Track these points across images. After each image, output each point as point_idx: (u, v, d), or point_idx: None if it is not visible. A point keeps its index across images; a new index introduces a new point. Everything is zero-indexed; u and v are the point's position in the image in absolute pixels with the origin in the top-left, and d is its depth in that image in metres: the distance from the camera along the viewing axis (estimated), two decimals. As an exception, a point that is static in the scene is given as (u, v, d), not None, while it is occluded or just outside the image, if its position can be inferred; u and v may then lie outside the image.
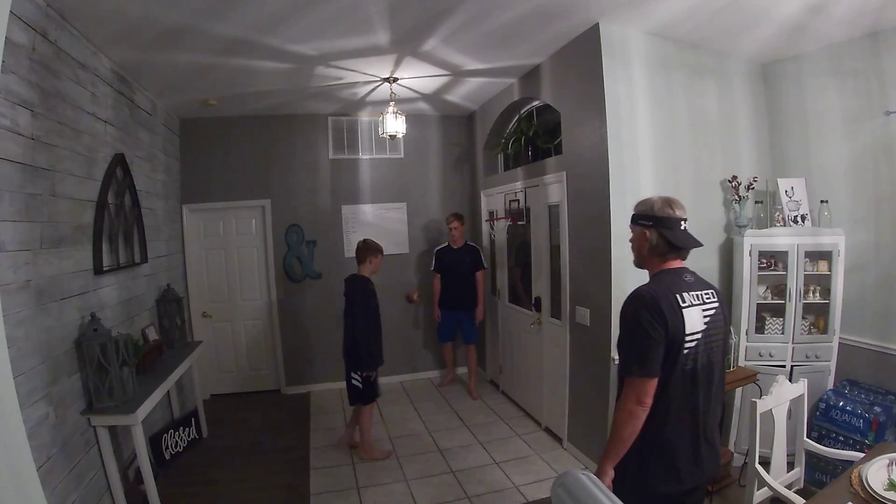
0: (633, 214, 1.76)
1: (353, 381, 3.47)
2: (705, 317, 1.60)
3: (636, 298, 1.60)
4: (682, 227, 1.68)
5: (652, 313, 1.54)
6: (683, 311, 1.56)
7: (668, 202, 1.69)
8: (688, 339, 1.55)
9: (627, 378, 1.57)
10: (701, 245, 1.72)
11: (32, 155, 2.21)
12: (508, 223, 4.64)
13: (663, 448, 1.59)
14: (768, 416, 2.27)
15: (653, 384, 1.54)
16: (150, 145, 3.92)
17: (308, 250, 5.10)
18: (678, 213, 1.67)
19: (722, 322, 1.66)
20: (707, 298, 1.64)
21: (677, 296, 1.58)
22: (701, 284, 1.68)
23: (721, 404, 1.72)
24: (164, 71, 3.47)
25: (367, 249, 3.56)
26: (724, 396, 1.75)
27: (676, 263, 1.69)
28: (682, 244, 1.67)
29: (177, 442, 3.68)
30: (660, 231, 1.67)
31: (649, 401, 1.54)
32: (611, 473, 1.62)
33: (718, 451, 1.70)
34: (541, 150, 4.16)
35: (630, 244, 1.80)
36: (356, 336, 3.41)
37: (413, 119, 4.87)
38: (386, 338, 5.05)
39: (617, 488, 1.59)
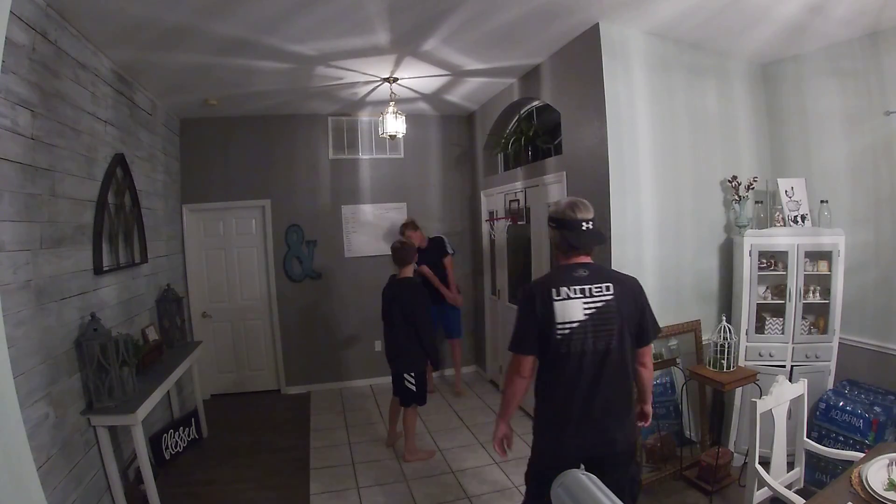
0: (548, 216, 1.99)
1: (407, 384, 3.45)
2: (587, 308, 1.79)
3: (521, 290, 1.92)
4: (584, 228, 1.86)
5: (527, 303, 1.85)
6: (555, 303, 1.79)
7: (572, 205, 1.89)
8: (559, 327, 1.79)
9: (511, 352, 1.90)
10: (601, 242, 2.00)
11: (32, 155, 2.21)
12: (508, 223, 4.64)
13: (550, 420, 1.90)
14: (768, 416, 2.27)
15: (526, 360, 1.88)
16: (150, 145, 3.92)
17: (308, 250, 5.10)
18: (580, 215, 1.86)
19: (615, 313, 1.80)
20: (597, 292, 1.81)
21: (553, 290, 1.81)
22: (597, 278, 1.84)
23: (622, 387, 1.86)
24: (164, 71, 3.47)
25: (410, 251, 3.55)
26: (627, 380, 1.88)
27: (579, 259, 1.89)
28: (578, 245, 1.87)
29: (177, 442, 3.68)
30: (562, 232, 1.88)
31: (526, 373, 1.89)
32: (503, 429, 2.04)
33: (613, 431, 1.84)
34: (541, 150, 4.16)
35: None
36: (422, 340, 3.40)
37: (413, 119, 4.87)
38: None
39: (534, 456, 1.99)
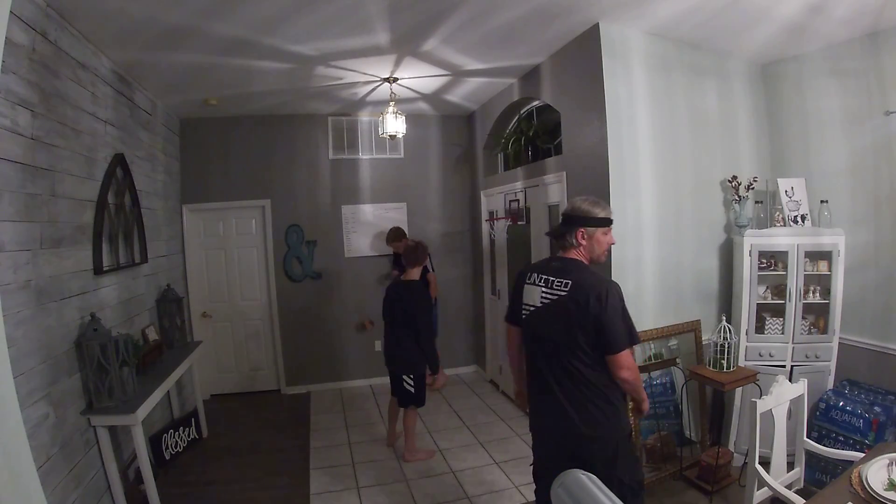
0: (599, 217, 2.03)
1: (406, 385, 3.43)
2: (544, 298, 1.91)
3: (616, 286, 1.89)
4: (560, 221, 2.03)
5: (515, 279, 2.11)
6: (525, 285, 2.00)
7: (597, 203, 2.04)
8: (523, 306, 2.00)
9: (628, 348, 1.86)
10: (550, 235, 2.10)
11: (32, 155, 2.21)
12: (508, 223, 4.64)
13: (530, 396, 2.07)
14: (768, 416, 2.27)
15: (510, 329, 2.15)
16: (150, 145, 3.92)
17: (308, 250, 5.10)
18: (563, 210, 2.06)
19: (562, 310, 1.84)
20: (557, 285, 1.88)
21: (529, 274, 2.01)
22: (561, 273, 1.90)
23: (575, 382, 1.84)
24: (164, 71, 3.47)
25: (422, 253, 3.50)
26: (580, 379, 1.84)
27: (564, 253, 1.98)
28: (548, 233, 2.17)
29: (177, 442, 3.67)
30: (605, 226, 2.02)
31: (510, 342, 2.19)
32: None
33: (576, 420, 1.83)
34: (541, 150, 4.16)
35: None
36: (422, 344, 3.37)
37: (413, 119, 4.88)
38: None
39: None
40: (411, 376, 3.43)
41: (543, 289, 1.92)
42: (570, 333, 1.82)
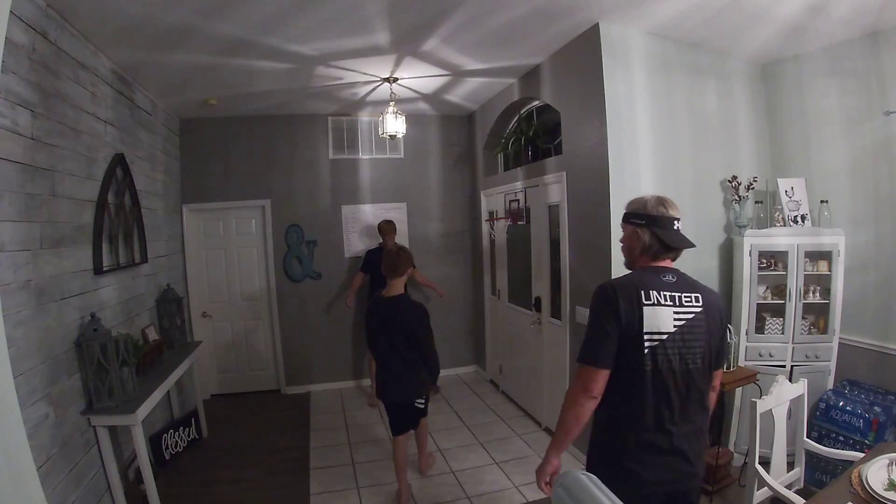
0: (626, 213, 1.72)
1: (418, 405, 3.02)
2: (678, 320, 1.53)
3: (599, 289, 1.61)
4: (676, 227, 1.63)
5: (607, 304, 1.55)
6: (644, 307, 1.52)
7: (662, 201, 1.65)
8: (647, 338, 1.50)
9: (578, 364, 1.59)
10: (693, 246, 1.66)
11: (32, 155, 2.21)
12: (508, 223, 4.64)
13: (618, 449, 1.57)
14: (768, 416, 2.27)
15: (600, 374, 1.54)
16: (150, 145, 3.92)
17: (308, 250, 5.10)
18: (672, 212, 1.63)
19: (704, 329, 1.56)
20: (687, 301, 1.56)
21: (642, 292, 1.53)
22: (685, 287, 1.60)
23: (704, 416, 1.61)
24: (164, 71, 3.47)
25: (408, 259, 2.97)
26: (707, 408, 1.63)
27: (663, 263, 1.64)
28: (674, 244, 1.63)
29: (177, 442, 3.68)
30: (653, 230, 1.63)
31: (596, 390, 1.55)
32: (555, 463, 1.66)
33: (695, 463, 1.58)
34: (541, 150, 4.16)
35: (621, 244, 1.77)
36: (429, 363, 2.90)
37: (413, 119, 4.88)
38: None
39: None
40: (423, 399, 3.04)
41: (675, 308, 1.54)
42: (706, 354, 1.57)
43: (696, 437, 1.59)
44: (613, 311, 1.52)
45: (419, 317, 2.89)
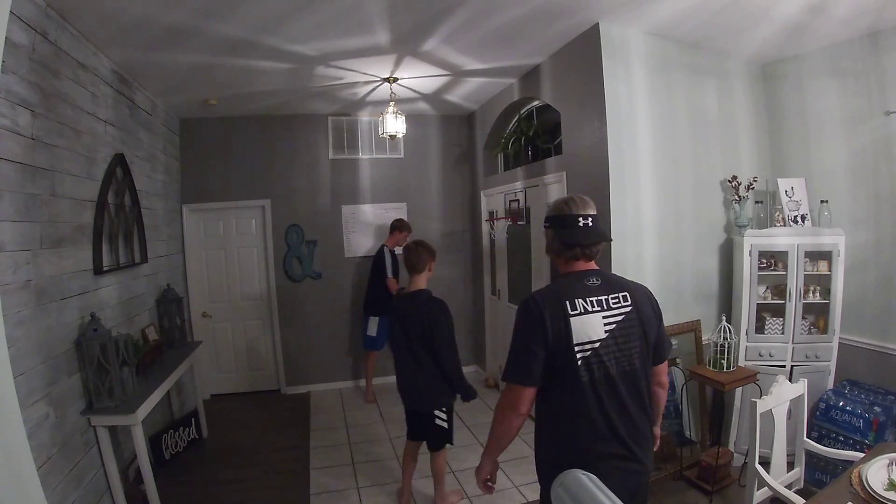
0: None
1: (438, 421, 2.75)
2: (608, 324, 1.49)
3: (522, 304, 1.54)
4: (582, 224, 1.57)
5: (530, 319, 1.49)
6: (571, 318, 1.47)
7: (567, 200, 1.61)
8: (578, 349, 1.46)
9: (505, 382, 1.54)
10: (604, 240, 1.62)
11: (32, 155, 2.21)
12: (508, 223, 4.64)
13: (574, 460, 1.47)
14: (768, 416, 2.27)
15: (526, 392, 1.49)
16: (150, 145, 3.92)
17: (308, 250, 5.10)
18: (576, 210, 1.58)
19: (637, 328, 1.53)
20: (615, 303, 1.52)
21: (567, 303, 1.48)
22: (611, 288, 1.55)
23: (646, 414, 1.57)
24: (164, 71, 3.47)
25: (430, 254, 2.80)
26: (649, 406, 1.59)
27: (582, 265, 1.60)
28: (575, 241, 1.56)
29: (177, 442, 3.68)
30: (555, 230, 1.61)
31: (523, 408, 1.51)
32: (489, 467, 1.67)
33: (644, 461, 1.55)
34: (541, 150, 4.16)
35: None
36: (446, 367, 2.66)
37: (413, 119, 4.88)
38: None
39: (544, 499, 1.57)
40: (444, 409, 2.76)
41: (604, 313, 1.50)
42: (643, 351, 1.55)
43: (643, 437, 1.56)
44: (539, 327, 1.47)
45: (438, 313, 2.65)
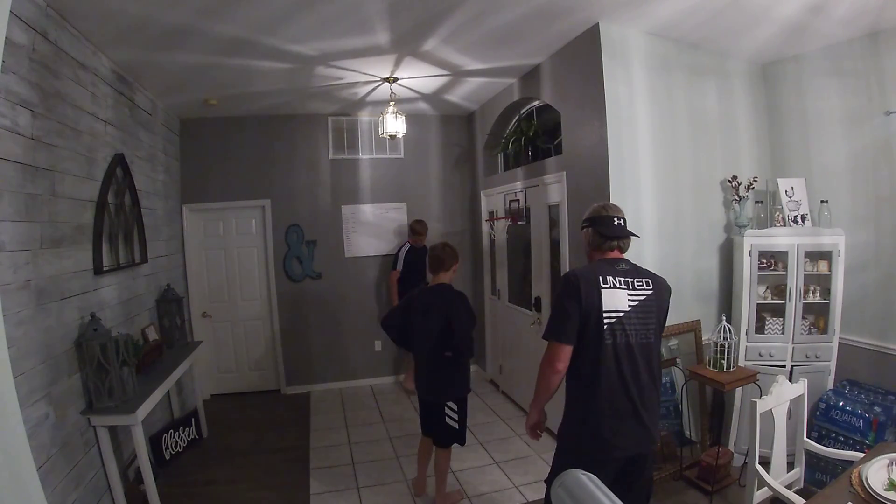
0: (583, 220, 2.02)
1: (449, 419, 2.82)
2: (631, 300, 1.79)
3: (564, 277, 1.87)
4: (616, 222, 1.92)
5: (569, 289, 1.79)
6: (603, 290, 1.77)
7: (604, 205, 1.98)
8: (605, 315, 1.75)
9: (547, 341, 1.83)
10: (633, 235, 1.96)
11: (32, 155, 2.21)
12: (508, 223, 4.64)
13: (591, 416, 1.78)
14: (768, 416, 2.27)
15: (563, 349, 1.78)
16: (150, 145, 3.92)
17: (308, 250, 5.10)
18: (612, 212, 1.94)
19: (655, 308, 1.84)
20: (639, 285, 1.83)
21: (600, 277, 1.79)
22: (637, 274, 1.87)
23: (657, 386, 1.87)
24: (164, 71, 3.47)
25: (454, 255, 2.93)
26: (660, 378, 1.91)
27: (614, 255, 1.91)
28: (612, 234, 1.90)
29: (177, 442, 3.68)
30: (594, 228, 1.94)
31: (560, 364, 1.79)
32: (537, 416, 1.98)
33: (650, 428, 1.83)
34: (541, 150, 4.16)
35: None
36: (463, 353, 2.77)
37: (413, 119, 4.88)
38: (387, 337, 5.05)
39: (560, 453, 1.92)
40: (454, 404, 2.84)
41: (628, 291, 1.81)
42: (657, 331, 1.86)
43: (652, 403, 1.84)
44: (575, 294, 1.76)
45: (459, 302, 2.79)
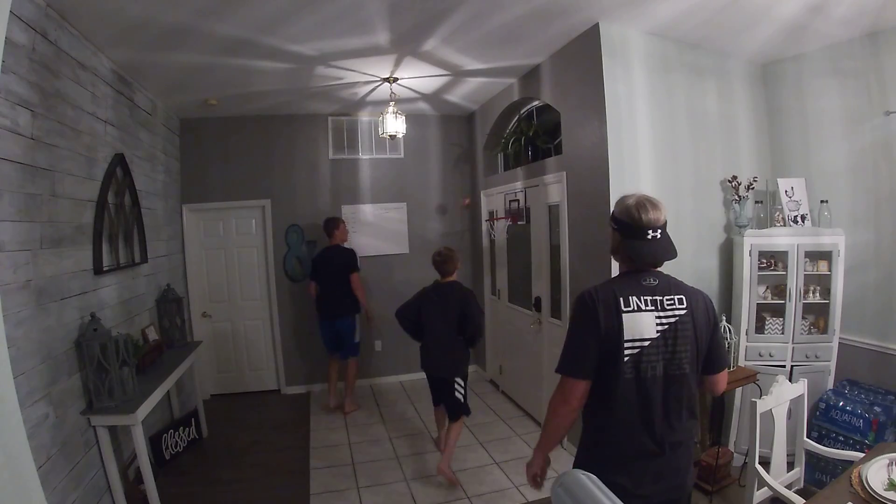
0: (612, 211, 1.64)
1: (458, 392, 3.31)
2: (660, 324, 1.48)
3: (578, 298, 1.56)
4: (650, 237, 1.51)
5: (585, 315, 1.51)
6: (624, 315, 1.47)
7: (639, 204, 1.53)
8: (627, 345, 1.46)
9: (559, 374, 1.56)
10: (671, 257, 1.55)
11: (32, 155, 2.21)
12: (508, 223, 4.64)
13: (610, 460, 1.51)
14: (768, 416, 2.27)
15: (579, 385, 1.51)
16: (150, 145, 3.92)
17: (308, 250, 5.10)
18: (645, 217, 1.50)
19: (691, 332, 1.51)
20: (669, 305, 1.51)
21: (621, 299, 1.49)
22: (668, 290, 1.53)
23: (691, 421, 1.56)
24: (164, 71, 3.47)
25: (457, 259, 3.41)
26: (696, 415, 1.60)
27: (641, 265, 1.58)
28: (639, 259, 1.54)
29: (177, 442, 3.68)
30: (624, 240, 1.56)
31: (575, 401, 1.52)
32: (540, 460, 1.69)
33: (686, 468, 1.56)
34: (541, 150, 4.16)
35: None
36: (473, 329, 3.27)
37: (413, 119, 4.88)
38: (388, 337, 5.04)
39: None
40: (461, 379, 3.34)
41: (657, 313, 1.49)
42: (695, 357, 1.53)
43: (684, 446, 1.55)
44: (593, 320, 1.48)
45: (471, 297, 3.34)
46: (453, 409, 3.32)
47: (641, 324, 1.47)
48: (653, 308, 1.49)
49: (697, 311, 1.54)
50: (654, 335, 1.48)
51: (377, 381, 5.31)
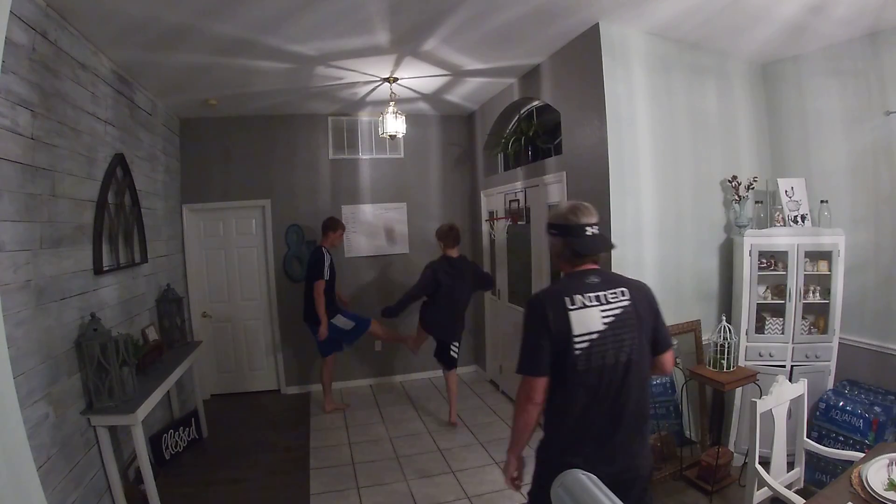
0: (547, 223, 1.81)
1: (452, 352, 4.11)
2: (606, 317, 1.61)
3: (528, 303, 1.69)
4: (589, 233, 1.69)
5: (536, 316, 1.62)
6: (571, 313, 1.59)
7: (574, 209, 1.72)
8: (577, 339, 1.57)
9: (519, 374, 1.67)
10: (609, 249, 1.80)
11: (32, 155, 2.21)
12: (508, 223, 4.64)
13: (566, 448, 1.63)
14: (768, 416, 2.27)
15: (538, 382, 1.62)
16: (150, 145, 3.92)
17: (308, 250, 5.09)
18: (583, 219, 1.69)
19: (634, 321, 1.64)
20: (612, 298, 1.65)
21: (566, 298, 1.61)
22: (609, 285, 1.68)
23: (643, 402, 1.68)
24: (164, 71, 3.47)
25: (459, 233, 4.16)
26: (647, 393, 1.71)
27: (586, 266, 1.72)
28: (585, 251, 1.70)
29: (177, 442, 3.67)
30: (565, 239, 1.71)
31: (538, 397, 1.63)
32: (514, 462, 1.77)
33: (639, 451, 1.67)
34: (541, 150, 4.17)
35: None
36: (488, 281, 4.43)
37: (413, 119, 4.88)
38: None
39: (539, 483, 1.69)
40: (457, 343, 4.14)
41: (602, 307, 1.62)
42: (642, 343, 1.65)
43: (636, 429, 1.66)
44: (543, 322, 1.60)
45: (476, 265, 4.41)
46: (449, 364, 4.13)
47: (588, 318, 1.60)
48: (597, 303, 1.63)
49: (639, 300, 1.68)
50: (602, 327, 1.60)
51: (377, 381, 5.31)
